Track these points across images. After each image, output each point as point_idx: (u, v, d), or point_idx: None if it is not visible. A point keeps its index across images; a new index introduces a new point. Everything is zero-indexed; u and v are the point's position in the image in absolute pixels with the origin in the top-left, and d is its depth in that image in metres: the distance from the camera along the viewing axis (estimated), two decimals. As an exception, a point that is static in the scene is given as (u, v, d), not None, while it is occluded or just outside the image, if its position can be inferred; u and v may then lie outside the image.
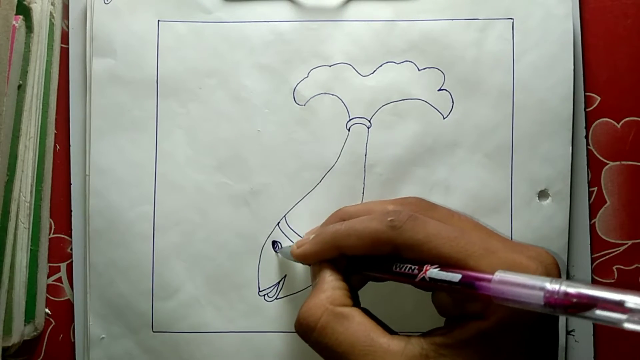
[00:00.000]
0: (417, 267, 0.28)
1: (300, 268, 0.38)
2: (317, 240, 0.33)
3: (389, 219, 0.29)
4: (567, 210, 0.38)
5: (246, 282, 0.39)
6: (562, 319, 0.38)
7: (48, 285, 0.40)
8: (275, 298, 0.38)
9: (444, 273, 0.27)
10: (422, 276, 0.28)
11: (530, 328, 0.27)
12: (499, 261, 0.26)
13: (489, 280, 0.25)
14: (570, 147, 0.38)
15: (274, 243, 0.39)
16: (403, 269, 0.29)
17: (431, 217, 0.30)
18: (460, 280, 0.26)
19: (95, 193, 0.39)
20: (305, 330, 0.29)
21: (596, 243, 0.39)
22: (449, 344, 0.27)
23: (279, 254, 0.38)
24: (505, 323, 0.26)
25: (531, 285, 0.24)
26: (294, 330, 0.30)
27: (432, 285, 0.28)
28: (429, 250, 0.28)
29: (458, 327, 0.27)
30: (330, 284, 0.31)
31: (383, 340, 0.28)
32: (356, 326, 0.28)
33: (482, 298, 0.26)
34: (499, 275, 0.25)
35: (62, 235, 0.40)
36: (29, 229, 0.38)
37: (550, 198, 0.38)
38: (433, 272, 0.27)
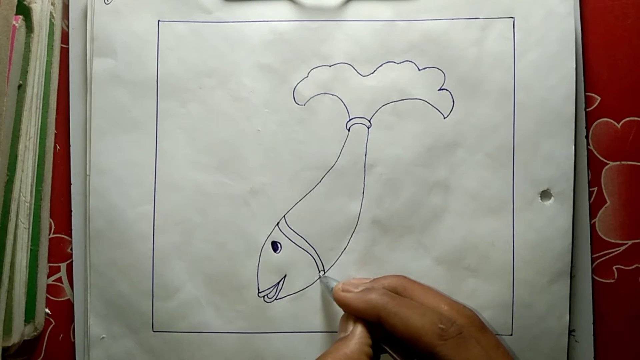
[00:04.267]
0: None
1: (299, 269, 0.38)
2: (364, 299, 0.33)
3: (439, 325, 0.31)
4: (570, 211, 0.38)
5: (246, 283, 0.39)
6: (564, 319, 0.38)
7: (48, 285, 0.40)
8: (275, 299, 0.38)
9: None
10: None
11: None
12: None
13: None
14: (573, 147, 0.38)
15: (274, 243, 0.39)
16: None
17: (478, 340, 0.31)
18: None
19: (95, 193, 0.39)
20: None
21: (596, 243, 0.39)
22: None
23: (322, 280, 0.38)
24: None
25: None
26: (294, 331, 0.30)
27: None
28: None
29: None
30: (360, 347, 0.32)
31: None
32: None
33: None
34: None
35: (62, 235, 0.40)
36: (29, 229, 0.38)
37: (552, 198, 0.38)
38: None
